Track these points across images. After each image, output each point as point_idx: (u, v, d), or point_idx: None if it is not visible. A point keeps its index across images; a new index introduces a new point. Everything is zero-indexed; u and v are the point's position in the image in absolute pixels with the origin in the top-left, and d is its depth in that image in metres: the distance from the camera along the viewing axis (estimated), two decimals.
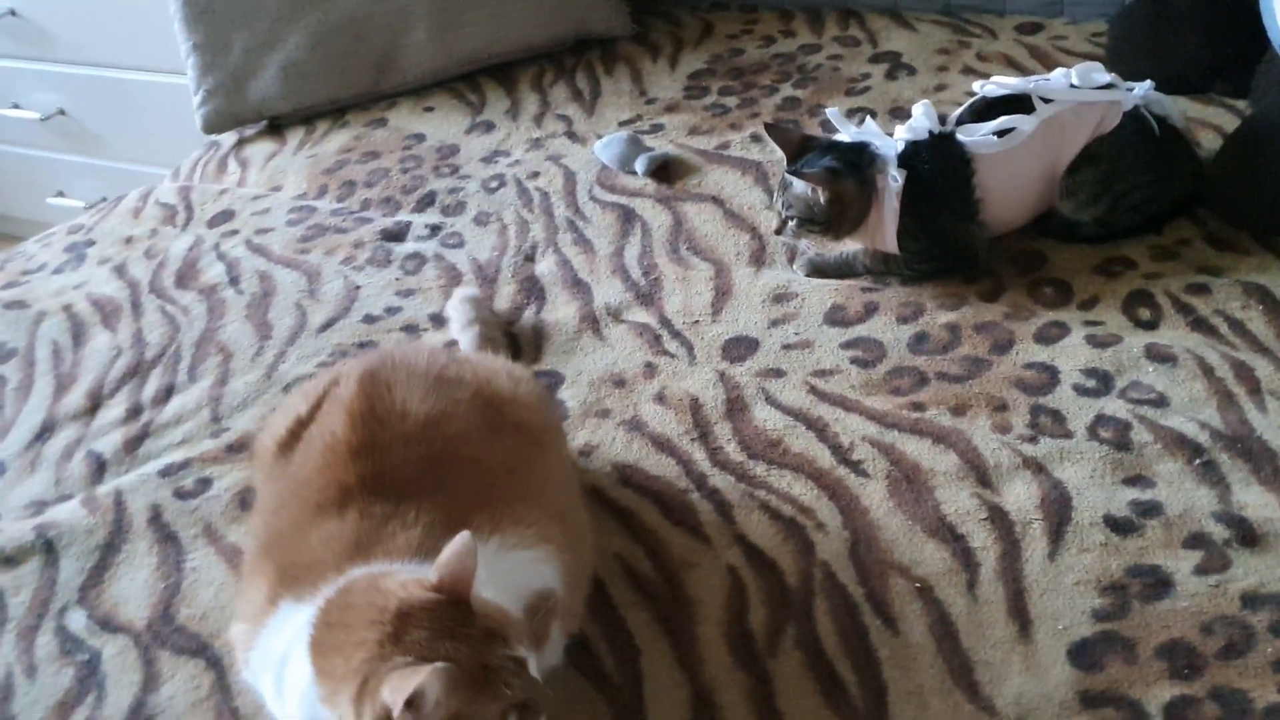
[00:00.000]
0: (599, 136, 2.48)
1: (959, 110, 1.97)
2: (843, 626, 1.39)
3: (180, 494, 1.77)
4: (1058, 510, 1.47)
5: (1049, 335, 1.76)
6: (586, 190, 2.34)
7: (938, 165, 1.90)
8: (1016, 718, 1.26)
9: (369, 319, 2.08)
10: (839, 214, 1.90)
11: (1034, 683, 1.29)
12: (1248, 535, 1.40)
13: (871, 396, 1.72)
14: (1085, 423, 1.60)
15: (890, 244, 1.91)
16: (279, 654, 1.25)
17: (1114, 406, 1.62)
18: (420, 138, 2.64)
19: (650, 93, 2.64)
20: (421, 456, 1.37)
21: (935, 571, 1.44)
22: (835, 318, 1.89)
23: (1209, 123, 2.12)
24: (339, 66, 2.79)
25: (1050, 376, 1.69)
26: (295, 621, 1.24)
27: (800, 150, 1.95)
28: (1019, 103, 1.92)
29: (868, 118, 2.01)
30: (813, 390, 1.75)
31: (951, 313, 1.84)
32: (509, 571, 1.30)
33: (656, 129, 2.49)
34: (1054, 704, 1.26)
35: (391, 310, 2.10)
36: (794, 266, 2.04)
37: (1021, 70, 2.37)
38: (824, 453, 1.64)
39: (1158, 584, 1.37)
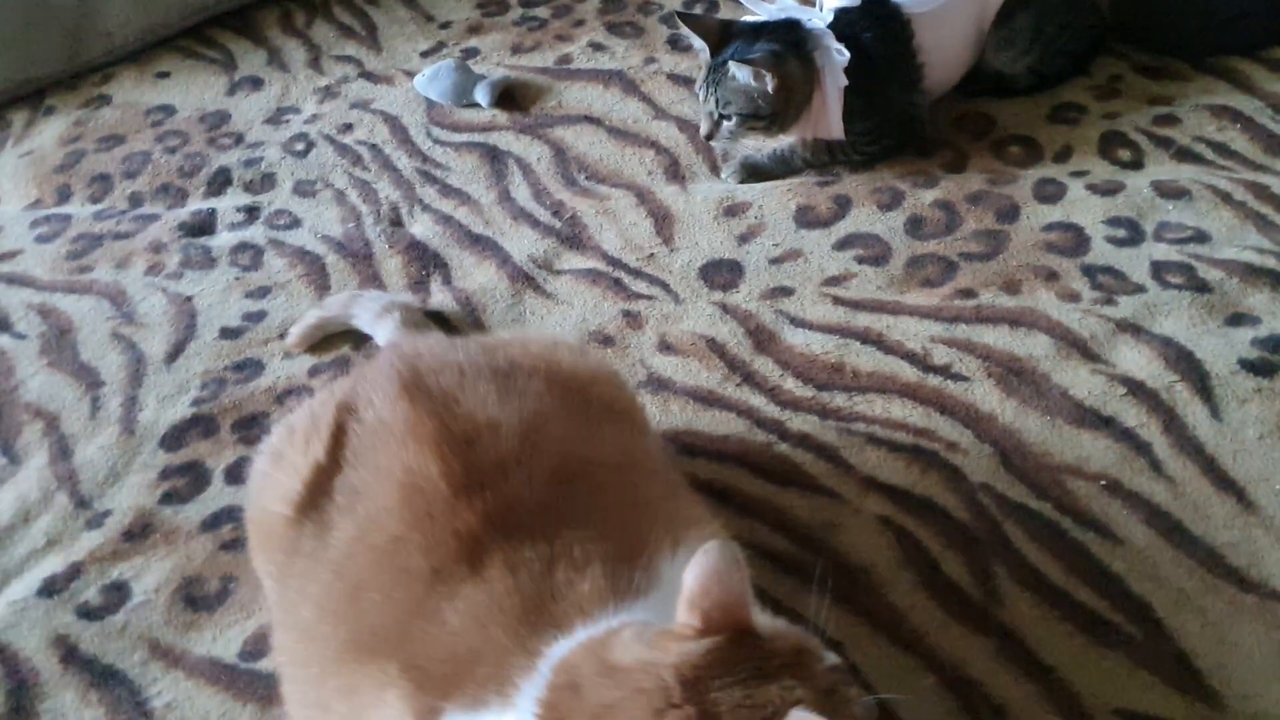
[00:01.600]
0: (408, 73, 2.08)
1: None
2: (1055, 550, 1.19)
3: (87, 613, 1.27)
4: (1189, 367, 1.34)
5: (1048, 194, 1.63)
6: (424, 133, 1.95)
7: (877, 33, 1.70)
8: None
9: (229, 333, 1.61)
10: (785, 102, 1.66)
11: None
12: None
13: (908, 294, 1.51)
14: (1146, 272, 1.48)
15: (836, 128, 1.70)
16: None
17: (1161, 251, 1.51)
18: (169, 110, 2.10)
19: (438, 16, 2.25)
20: (544, 472, 1.01)
21: (1110, 463, 1.26)
22: (808, 219, 1.65)
23: None
24: (20, 39, 2.18)
25: (1077, 235, 1.55)
26: None
27: (722, 39, 1.69)
28: None
29: None
30: (837, 301, 1.52)
31: (931, 190, 1.66)
32: None
33: (471, 54, 2.12)
34: None
35: (253, 316, 1.63)
36: (723, 175, 1.78)
37: None
38: (900, 365, 1.41)
39: None
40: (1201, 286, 1.44)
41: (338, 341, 1.57)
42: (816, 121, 1.71)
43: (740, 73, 1.62)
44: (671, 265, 1.61)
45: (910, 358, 1.41)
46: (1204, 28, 1.77)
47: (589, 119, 1.91)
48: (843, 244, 1.60)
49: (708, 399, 1.41)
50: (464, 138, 1.92)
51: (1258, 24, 1.76)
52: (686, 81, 1.95)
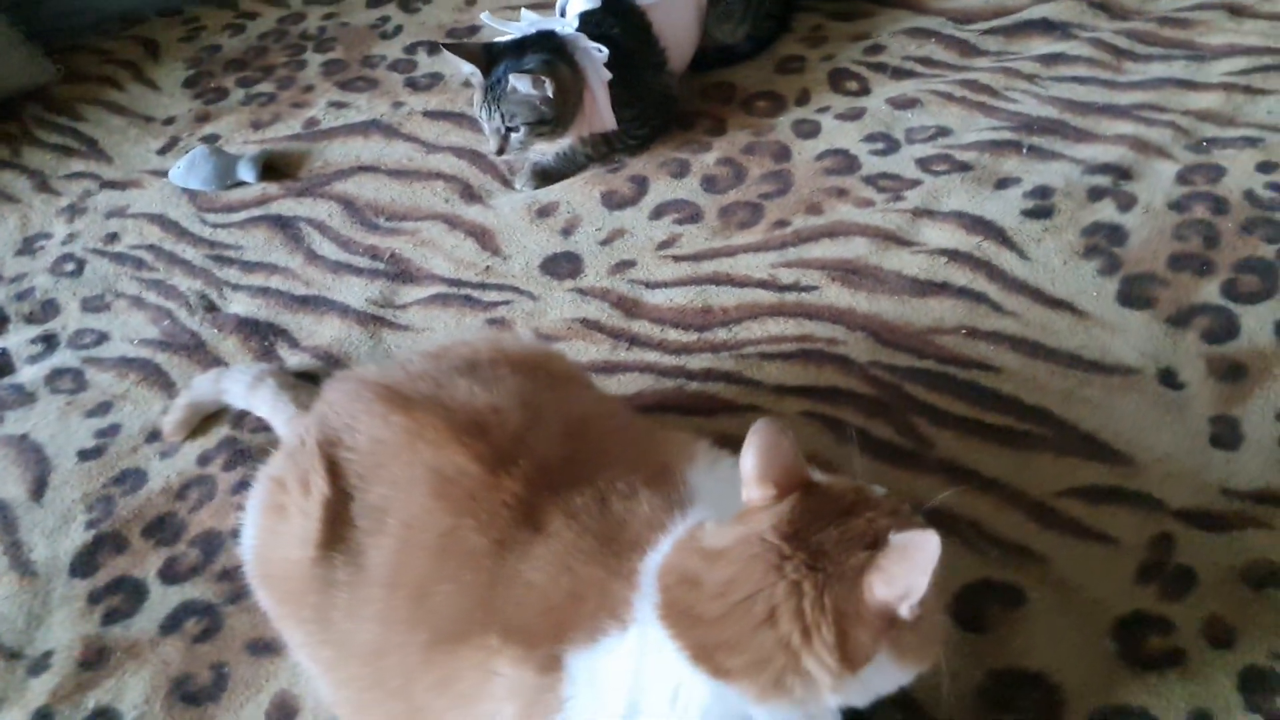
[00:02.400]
0: (156, 173, 2.05)
1: None
2: (954, 392, 1.39)
3: None
4: (985, 228, 1.59)
5: (806, 131, 1.85)
6: (197, 221, 1.93)
7: (622, 27, 1.87)
8: (1155, 359, 1.37)
9: (89, 454, 1.55)
10: (563, 104, 1.80)
11: (1133, 337, 1.40)
12: (1122, 171, 1.63)
13: (733, 238, 1.69)
14: (915, 169, 1.73)
15: (608, 120, 1.86)
16: (623, 711, 0.94)
17: (918, 150, 1.77)
18: None
19: (156, 115, 2.22)
20: (557, 434, 1.10)
21: (961, 316, 1.48)
22: (615, 202, 1.80)
23: None
24: None
25: (845, 157, 1.79)
26: (613, 663, 0.94)
27: (490, 60, 1.80)
28: None
29: (523, 9, 1.90)
30: (677, 259, 1.67)
31: (709, 152, 1.85)
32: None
33: (212, 140, 2.11)
34: (1163, 334, 1.40)
35: (107, 431, 1.58)
36: (517, 185, 1.89)
37: None
38: (757, 293, 1.58)
39: (1115, 230, 1.55)
40: (963, 167, 1.70)
41: (212, 424, 1.54)
42: (591, 118, 1.85)
43: (521, 84, 1.73)
44: (511, 271, 1.70)
45: (762, 285, 1.58)
46: None
47: (363, 169, 1.96)
48: (656, 213, 1.75)
49: (606, 368, 1.51)
50: (243, 215, 1.92)
51: None
52: (444, 115, 2.04)
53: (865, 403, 1.39)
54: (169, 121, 2.18)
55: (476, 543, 1.01)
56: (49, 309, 1.81)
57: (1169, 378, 1.34)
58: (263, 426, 1.50)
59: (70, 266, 1.87)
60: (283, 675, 1.23)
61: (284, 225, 1.88)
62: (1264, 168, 1.58)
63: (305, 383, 1.55)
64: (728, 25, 2.00)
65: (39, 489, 1.50)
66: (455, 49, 1.79)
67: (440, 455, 1.05)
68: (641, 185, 1.80)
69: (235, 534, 1.37)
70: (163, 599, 1.34)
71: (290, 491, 1.11)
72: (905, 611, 0.86)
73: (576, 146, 1.89)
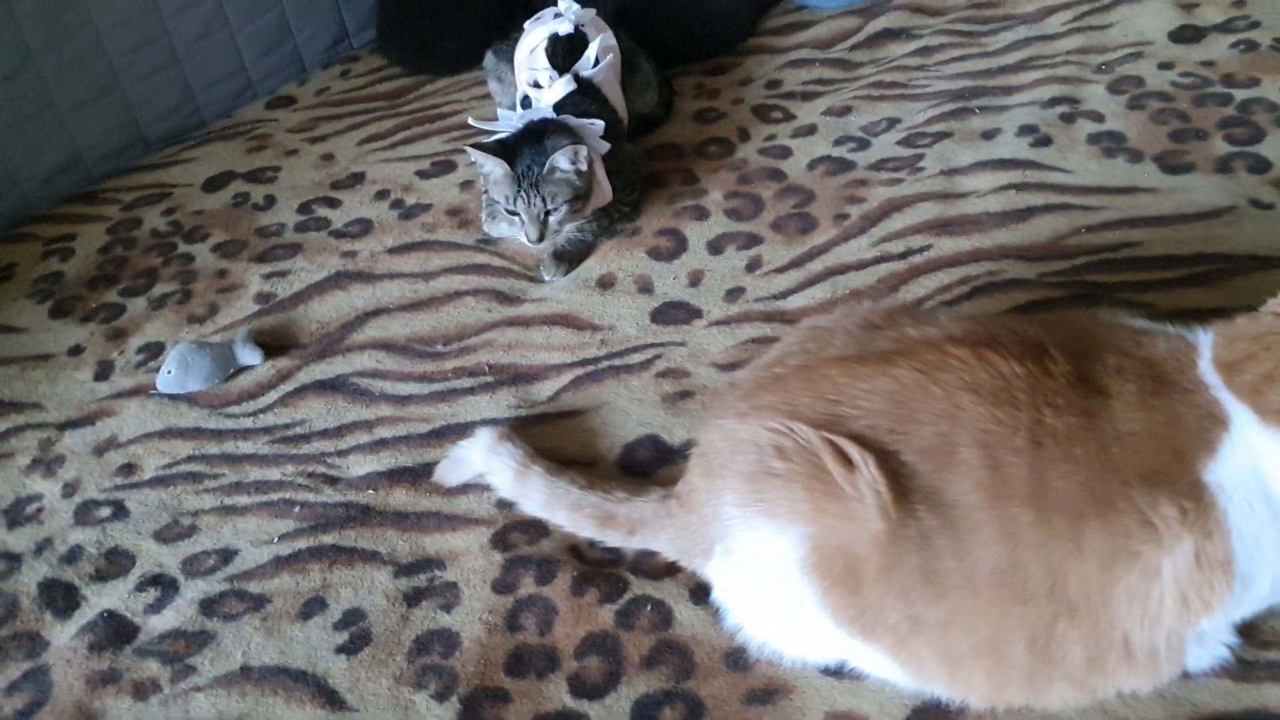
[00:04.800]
0: (125, 394, 1.78)
1: (544, 51, 1.99)
2: (1125, 268, 1.60)
3: None
4: (1013, 164, 1.84)
5: (778, 152, 2.02)
6: (222, 418, 1.71)
7: (594, 104, 1.94)
8: (1239, 195, 1.68)
9: (353, 646, 1.33)
10: (591, 177, 1.85)
11: (1204, 189, 1.70)
12: (1070, 100, 1.96)
13: (809, 242, 1.80)
14: (902, 150, 1.95)
15: (608, 191, 1.91)
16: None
17: (891, 138, 1.99)
18: None
19: (53, 350, 1.91)
20: (1030, 330, 1.18)
21: (1066, 223, 1.70)
22: (666, 255, 1.85)
23: None
24: None
25: (833, 160, 1.97)
26: (1239, 460, 1.05)
27: (510, 154, 1.81)
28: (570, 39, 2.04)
29: (499, 109, 1.92)
30: (778, 271, 1.76)
31: (711, 193, 1.95)
32: None
33: (154, 350, 1.87)
34: (1224, 180, 1.71)
35: (348, 621, 1.37)
36: (548, 277, 1.87)
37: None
38: (886, 268, 1.71)
39: (1111, 134, 1.86)
40: (943, 135, 1.95)
41: (474, 558, 1.39)
42: (595, 194, 1.89)
43: (562, 160, 1.75)
44: (629, 334, 1.69)
45: (880, 261, 1.71)
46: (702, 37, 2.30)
47: (371, 314, 1.84)
48: (714, 249, 1.82)
49: None
50: (274, 395, 1.72)
51: (723, 30, 2.33)
52: (410, 249, 1.96)
53: (1071, 302, 1.56)
54: (75, 351, 1.88)
55: (1066, 423, 1.06)
56: (119, 557, 1.51)
57: (1259, 204, 1.65)
58: (537, 535, 1.38)
59: (105, 512, 1.57)
60: (813, 704, 1.15)
61: (335, 387, 1.71)
62: (1164, 66, 1.97)
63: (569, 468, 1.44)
64: (646, 94, 2.12)
65: (333, 700, 1.26)
66: (483, 148, 1.77)
67: (977, 373, 1.08)
68: (675, 236, 1.86)
69: (626, 624, 1.26)
70: (607, 713, 1.19)
71: (832, 472, 1.07)
72: None
73: (584, 225, 1.91)
